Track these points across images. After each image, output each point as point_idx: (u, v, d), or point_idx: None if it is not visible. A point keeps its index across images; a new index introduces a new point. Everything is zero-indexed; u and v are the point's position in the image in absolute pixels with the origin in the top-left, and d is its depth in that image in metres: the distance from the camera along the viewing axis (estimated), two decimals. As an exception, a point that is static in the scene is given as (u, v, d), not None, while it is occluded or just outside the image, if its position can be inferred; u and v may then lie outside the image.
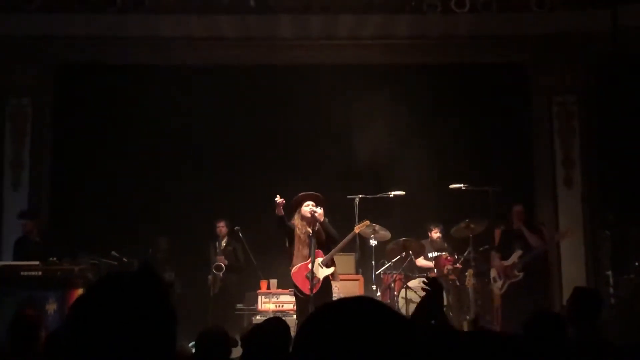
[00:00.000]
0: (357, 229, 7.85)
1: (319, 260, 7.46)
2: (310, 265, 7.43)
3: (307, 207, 7.52)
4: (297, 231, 7.58)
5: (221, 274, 10.00)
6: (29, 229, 9.29)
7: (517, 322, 8.18)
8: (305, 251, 7.53)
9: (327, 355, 1.32)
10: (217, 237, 10.28)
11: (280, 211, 7.42)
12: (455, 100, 10.82)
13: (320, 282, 7.41)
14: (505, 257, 9.15)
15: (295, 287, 7.59)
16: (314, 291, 7.35)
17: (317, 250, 7.46)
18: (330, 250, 7.61)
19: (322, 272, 7.47)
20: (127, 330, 1.48)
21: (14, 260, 9.06)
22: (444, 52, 10.92)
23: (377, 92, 10.54)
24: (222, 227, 10.24)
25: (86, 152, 10.93)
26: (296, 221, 7.61)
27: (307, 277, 7.42)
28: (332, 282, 7.72)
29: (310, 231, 7.50)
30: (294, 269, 7.56)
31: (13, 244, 9.49)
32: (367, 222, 8.18)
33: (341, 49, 10.87)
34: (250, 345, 3.92)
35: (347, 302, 1.42)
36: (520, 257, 9.00)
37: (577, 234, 10.06)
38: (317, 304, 7.05)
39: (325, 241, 7.59)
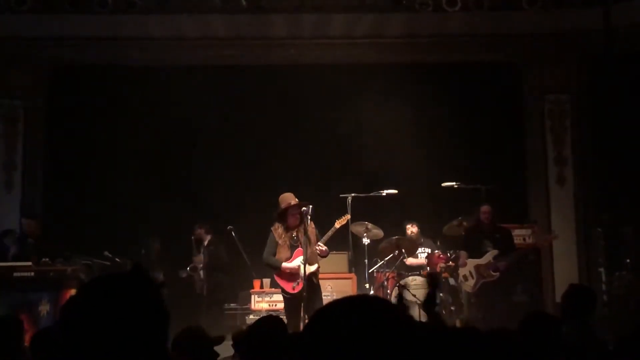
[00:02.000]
0: (337, 224, 7.83)
1: (300, 258, 7.47)
2: (292, 264, 7.52)
3: (294, 216, 7.56)
4: (277, 239, 7.62)
5: (201, 273, 10.05)
6: (32, 229, 9.25)
7: (492, 320, 8.19)
8: (285, 254, 7.58)
9: (335, 353, 1.32)
10: (200, 241, 10.32)
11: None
12: (447, 98, 10.83)
13: (303, 280, 7.38)
14: (474, 255, 8.97)
15: (280, 287, 7.67)
16: (298, 290, 7.40)
17: (298, 249, 7.52)
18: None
19: (306, 270, 7.44)
20: (118, 330, 1.49)
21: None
22: (436, 51, 10.93)
23: (370, 90, 10.55)
24: (202, 233, 10.28)
25: (79, 153, 10.92)
26: (278, 230, 7.62)
27: (292, 274, 7.50)
28: (321, 281, 7.78)
29: (294, 232, 7.56)
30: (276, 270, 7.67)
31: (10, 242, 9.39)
32: (348, 216, 8.15)
33: (333, 48, 10.88)
34: (245, 343, 3.93)
35: (355, 300, 1.42)
36: (496, 258, 8.87)
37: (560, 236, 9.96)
38: (305, 303, 7.13)
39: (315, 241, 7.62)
